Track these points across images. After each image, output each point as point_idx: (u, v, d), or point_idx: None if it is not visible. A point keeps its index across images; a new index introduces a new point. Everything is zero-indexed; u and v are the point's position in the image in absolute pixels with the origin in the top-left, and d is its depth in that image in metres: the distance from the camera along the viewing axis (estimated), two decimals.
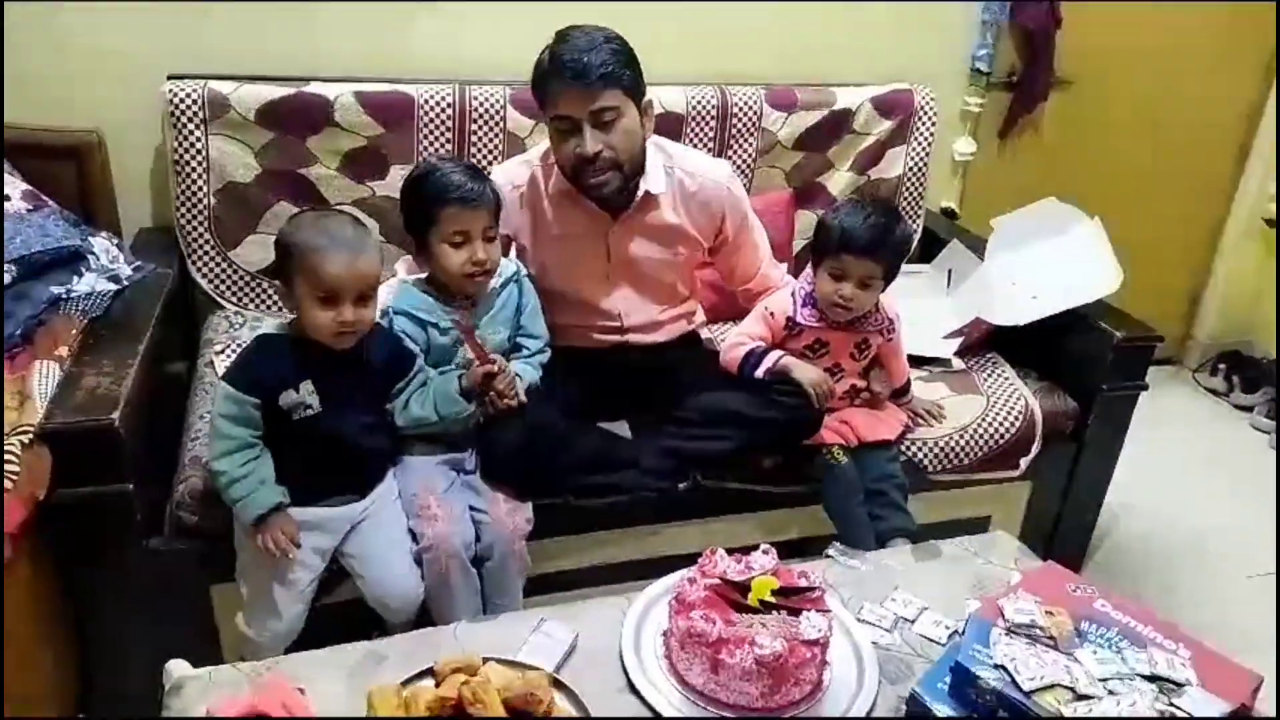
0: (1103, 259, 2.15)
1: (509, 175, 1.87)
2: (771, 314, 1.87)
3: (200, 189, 2.04)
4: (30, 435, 1.49)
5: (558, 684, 1.26)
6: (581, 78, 1.65)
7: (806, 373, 1.81)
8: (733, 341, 1.90)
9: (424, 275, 1.73)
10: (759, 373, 1.83)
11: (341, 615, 1.62)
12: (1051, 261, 2.21)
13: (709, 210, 1.91)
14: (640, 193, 1.82)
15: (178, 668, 1.29)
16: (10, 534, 1.40)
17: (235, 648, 1.62)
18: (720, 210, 1.92)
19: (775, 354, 1.83)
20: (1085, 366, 2.11)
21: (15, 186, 1.93)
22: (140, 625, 1.64)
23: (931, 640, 1.41)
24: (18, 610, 1.46)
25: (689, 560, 1.42)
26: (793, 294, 1.87)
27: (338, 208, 2.08)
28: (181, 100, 1.99)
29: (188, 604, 1.69)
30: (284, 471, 1.54)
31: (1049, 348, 2.18)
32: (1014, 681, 1.19)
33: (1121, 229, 2.22)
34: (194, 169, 2.03)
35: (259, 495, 1.50)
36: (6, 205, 1.87)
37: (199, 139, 2.01)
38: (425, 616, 1.61)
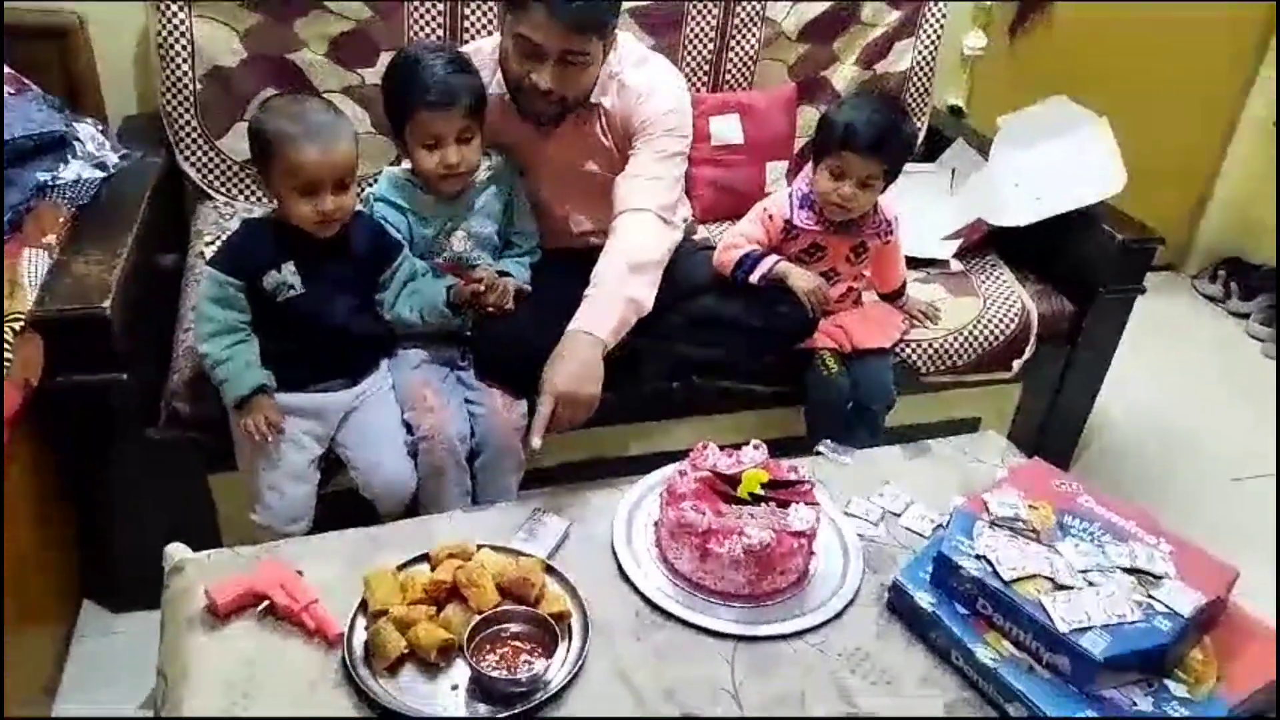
0: (1108, 160, 2.11)
1: (478, 52, 1.77)
2: (770, 215, 1.84)
3: (185, 74, 1.99)
4: (21, 322, 1.49)
5: (550, 570, 1.29)
6: (570, 20, 1.55)
7: (802, 280, 1.79)
8: (727, 243, 1.86)
9: (406, 167, 1.71)
10: (754, 278, 1.80)
11: (340, 504, 1.64)
12: (1056, 161, 2.17)
13: (634, 115, 1.75)
14: (578, 105, 1.73)
15: (177, 550, 1.32)
16: (7, 420, 1.41)
17: (236, 537, 1.63)
18: (642, 120, 1.74)
19: (771, 259, 1.81)
20: (1084, 268, 2.10)
21: None
22: (140, 513, 1.67)
23: (916, 533, 1.44)
24: (17, 495, 1.48)
25: (680, 457, 1.44)
26: (790, 195, 1.84)
27: (325, 95, 2.03)
28: None
29: (186, 492, 1.71)
30: (272, 357, 1.54)
31: (1049, 249, 2.16)
32: (995, 571, 1.22)
33: (1130, 130, 2.16)
34: (178, 53, 1.97)
35: (243, 377, 1.50)
36: None
37: (183, 21, 1.95)
38: (415, 507, 1.63)
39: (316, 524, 1.59)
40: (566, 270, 1.83)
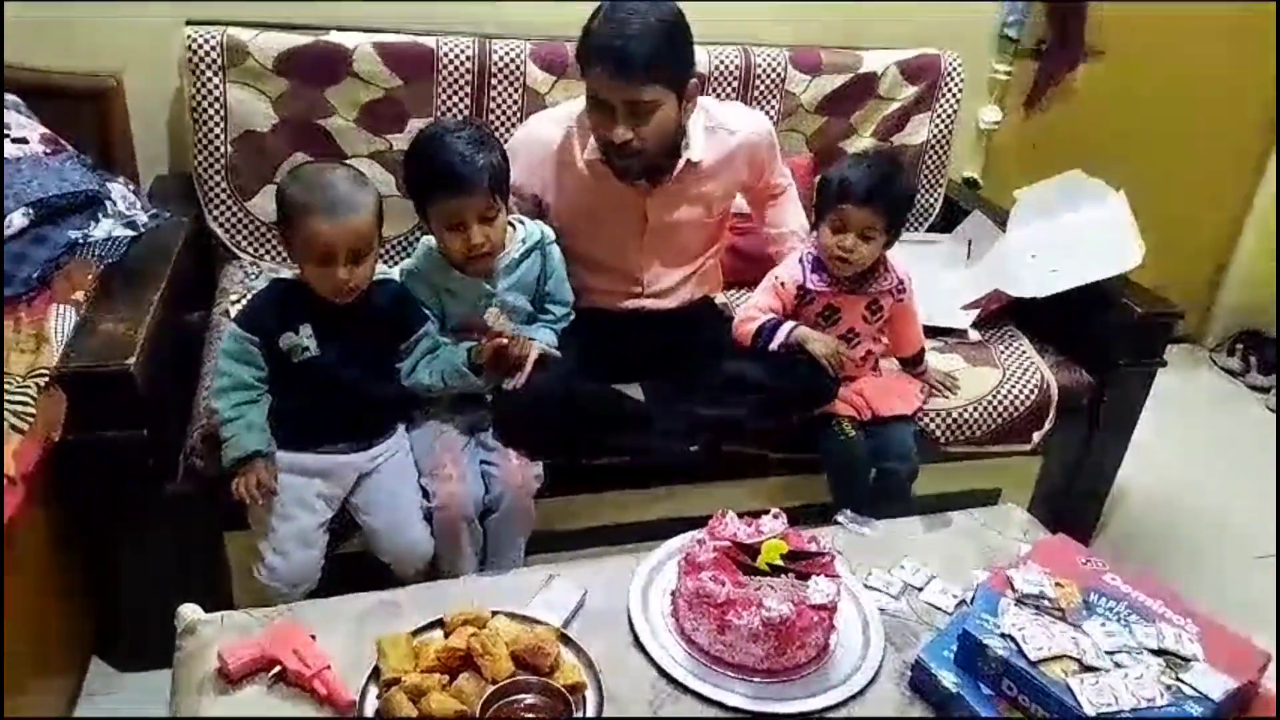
0: (1126, 234, 2.12)
1: (540, 133, 1.84)
2: (782, 284, 1.85)
3: (218, 137, 2.03)
4: (46, 378, 1.50)
5: (565, 639, 1.27)
6: (620, 70, 1.60)
7: (819, 345, 1.79)
8: (744, 315, 1.86)
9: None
10: (774, 345, 1.80)
11: (353, 565, 1.63)
12: (1073, 235, 2.19)
13: (749, 162, 1.90)
14: (681, 162, 1.80)
15: (190, 611, 1.31)
16: (24, 475, 1.41)
17: (248, 594, 1.63)
18: (759, 159, 1.92)
19: (788, 326, 1.81)
20: (1103, 342, 2.09)
21: (34, 130, 1.92)
22: (155, 570, 1.66)
23: (938, 609, 1.42)
24: (33, 552, 1.48)
25: (699, 523, 1.43)
26: (801, 260, 1.86)
27: (353, 160, 2.07)
28: (200, 46, 1.97)
29: (201, 549, 1.70)
30: (286, 415, 1.56)
31: (1067, 322, 2.16)
32: (1021, 651, 1.20)
33: (1146, 204, 2.18)
34: (212, 117, 2.01)
35: (241, 438, 1.51)
36: (25, 148, 1.87)
37: (217, 86, 2.00)
38: (430, 569, 1.62)
39: (329, 585, 1.57)
40: (599, 330, 1.86)
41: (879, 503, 1.78)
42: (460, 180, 1.58)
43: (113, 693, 1.73)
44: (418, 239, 2.13)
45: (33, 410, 1.47)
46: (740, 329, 1.86)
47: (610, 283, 1.92)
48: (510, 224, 1.73)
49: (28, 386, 1.49)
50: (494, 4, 2.19)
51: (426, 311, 1.67)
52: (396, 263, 2.13)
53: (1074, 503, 2.21)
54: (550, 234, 1.79)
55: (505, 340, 1.61)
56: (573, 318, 1.84)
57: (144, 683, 1.69)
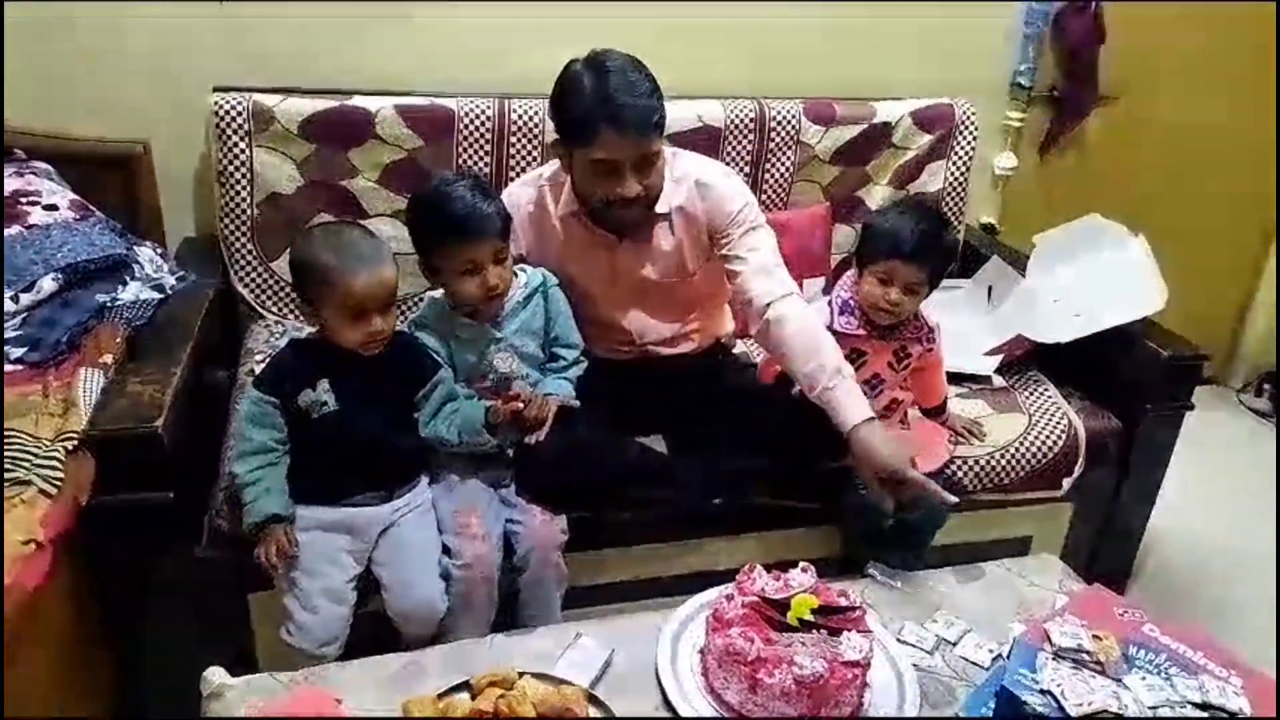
0: (1148, 277, 2.11)
1: (517, 196, 1.86)
2: None
3: (244, 200, 2.07)
4: (75, 441, 1.51)
5: (593, 699, 1.25)
6: (638, 128, 1.64)
7: None
8: (769, 357, 1.88)
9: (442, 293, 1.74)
10: (795, 390, 1.80)
11: (379, 625, 1.61)
12: (1095, 279, 2.18)
13: (710, 213, 1.83)
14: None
15: (216, 675, 1.30)
16: (52, 539, 1.41)
17: (272, 656, 1.62)
18: (720, 211, 1.82)
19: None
20: (1130, 386, 2.07)
21: (64, 196, 1.97)
22: (179, 633, 1.65)
23: (974, 663, 1.39)
24: (55, 617, 1.47)
25: (725, 576, 1.41)
26: (830, 303, 1.86)
27: (374, 219, 2.11)
28: (227, 112, 2.02)
29: (226, 612, 1.69)
30: (310, 471, 1.57)
31: (1093, 366, 2.14)
32: (1061, 707, 1.17)
33: (1166, 245, 2.18)
34: (238, 180, 2.05)
35: (260, 503, 1.52)
36: (55, 214, 1.91)
37: (243, 150, 2.04)
38: (439, 633, 1.60)
39: (354, 645, 1.56)
40: (616, 380, 1.85)
41: (891, 550, 1.75)
42: (474, 224, 1.62)
43: None
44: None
45: (61, 474, 1.47)
46: (766, 368, 1.88)
47: (603, 335, 1.92)
48: (512, 271, 1.74)
49: (56, 450, 1.50)
50: (514, 65, 2.23)
51: (439, 360, 1.68)
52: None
53: (1107, 548, 2.17)
54: (551, 279, 1.80)
55: (521, 405, 1.61)
56: (585, 364, 1.83)
57: None
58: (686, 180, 1.83)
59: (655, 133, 1.68)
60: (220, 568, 1.65)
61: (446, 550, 1.61)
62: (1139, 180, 2.86)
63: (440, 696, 1.24)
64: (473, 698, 1.23)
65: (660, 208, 1.81)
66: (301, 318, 2.12)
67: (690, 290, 1.92)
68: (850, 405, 1.64)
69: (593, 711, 1.23)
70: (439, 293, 1.75)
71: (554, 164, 1.87)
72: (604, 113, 1.63)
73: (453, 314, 1.72)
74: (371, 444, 1.59)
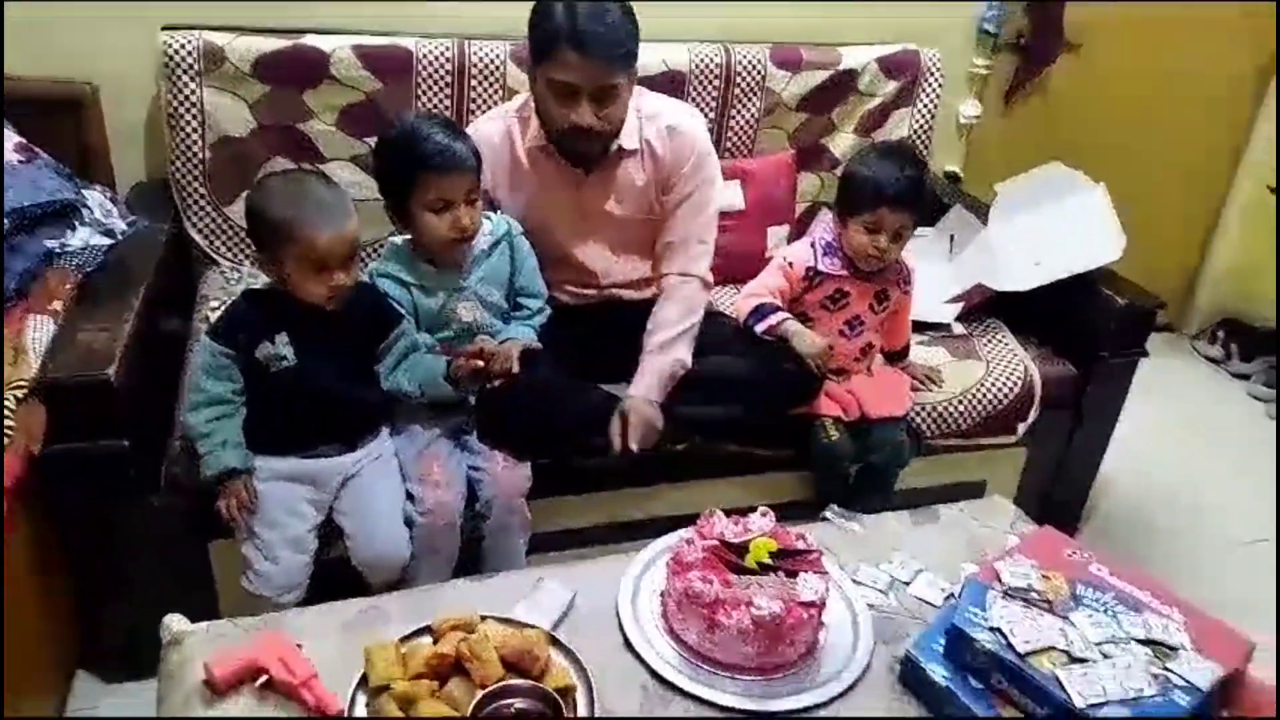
0: (1106, 226, 2.14)
1: (485, 130, 1.83)
2: (790, 264, 1.86)
3: (195, 143, 2.02)
4: (25, 390, 1.49)
5: (555, 642, 1.26)
6: (601, 56, 1.63)
7: (807, 343, 1.79)
8: (747, 292, 1.89)
9: (407, 238, 1.70)
10: (759, 328, 1.82)
11: (338, 572, 1.61)
12: (1055, 227, 2.20)
13: (673, 153, 1.83)
14: (614, 147, 1.80)
15: (175, 622, 1.30)
16: (6, 488, 1.39)
17: (233, 604, 1.62)
18: (673, 142, 1.83)
19: (779, 315, 1.82)
20: (1086, 333, 2.10)
21: (8, 138, 1.89)
22: (138, 581, 1.64)
23: (927, 603, 1.42)
24: (14, 564, 1.46)
25: (686, 521, 1.43)
26: (812, 244, 1.86)
27: (333, 164, 2.06)
28: (176, 52, 1.96)
29: (185, 560, 1.68)
30: (269, 424, 1.55)
31: (1051, 313, 2.17)
32: (1009, 644, 1.20)
33: (1126, 194, 2.20)
34: (189, 122, 2.00)
35: (217, 456, 1.50)
36: None
37: (194, 91, 1.98)
38: (402, 579, 1.60)
39: (314, 592, 1.56)
40: (579, 326, 1.86)
41: (859, 494, 1.79)
42: (451, 158, 1.59)
43: (99, 705, 1.71)
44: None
45: (12, 423, 1.45)
46: (740, 304, 1.89)
47: (566, 275, 1.91)
48: (483, 215, 1.72)
49: (7, 399, 1.47)
50: (473, 4, 2.18)
51: (401, 310, 1.66)
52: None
53: (1059, 493, 2.22)
54: (516, 227, 1.79)
55: (481, 363, 1.59)
56: (548, 313, 1.83)
57: (129, 694, 1.68)
58: (658, 120, 1.83)
59: (619, 65, 1.67)
60: (179, 516, 1.64)
61: (410, 497, 1.61)
62: (1102, 129, 2.88)
63: (402, 641, 1.25)
64: (435, 642, 1.24)
65: (629, 144, 1.80)
66: (257, 267, 2.08)
67: (656, 231, 1.91)
68: (648, 378, 1.77)
69: (554, 653, 1.24)
70: (400, 238, 1.72)
71: (521, 97, 1.85)
72: (568, 33, 1.62)
73: (415, 260, 1.69)
74: (332, 397, 1.57)
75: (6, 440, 1.43)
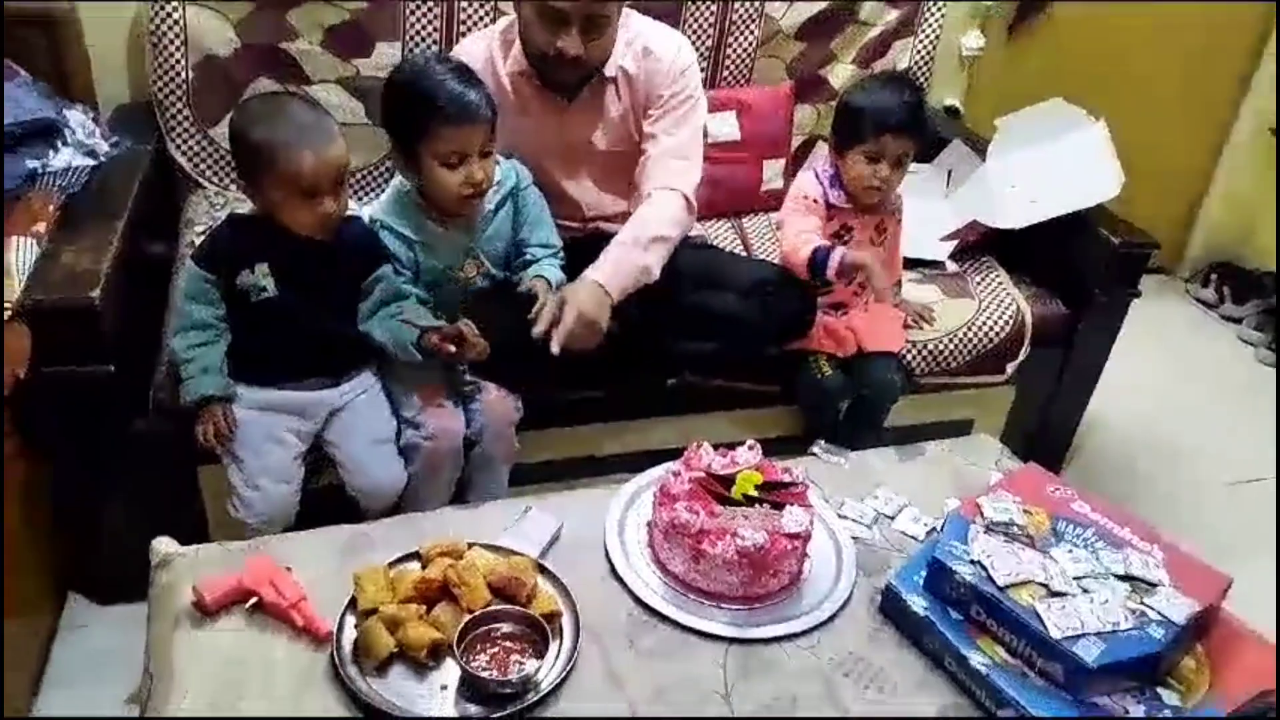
0: (1105, 163, 2.11)
1: (467, 53, 1.77)
2: (814, 201, 1.80)
3: (178, 63, 1.97)
4: (9, 313, 1.47)
5: (542, 569, 1.28)
6: None
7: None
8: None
9: (410, 188, 1.63)
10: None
11: (330, 498, 1.62)
12: (1053, 164, 2.17)
13: (652, 83, 1.79)
14: (594, 76, 1.76)
15: (164, 544, 1.31)
16: None
17: (223, 527, 1.63)
18: (655, 93, 1.79)
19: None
20: (1079, 272, 2.09)
21: None
22: (130, 504, 1.65)
23: (910, 537, 1.44)
24: (4, 489, 1.46)
25: (674, 455, 1.43)
26: (817, 176, 1.82)
27: (319, 86, 2.02)
28: None
29: (174, 485, 1.69)
30: (251, 353, 1.53)
31: (1045, 252, 2.15)
32: (989, 577, 1.21)
33: (1126, 133, 2.16)
34: (171, 41, 1.95)
35: (197, 382, 1.49)
36: None
37: (175, 9, 1.93)
38: (399, 504, 1.61)
39: (306, 518, 1.57)
40: (568, 259, 1.81)
41: (851, 429, 1.79)
42: (466, 109, 1.50)
43: (90, 625, 1.74)
44: (385, 170, 2.09)
45: None
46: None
47: (553, 208, 1.83)
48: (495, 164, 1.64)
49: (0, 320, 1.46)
50: None
51: (393, 256, 1.60)
52: (363, 196, 2.09)
53: (1046, 432, 2.24)
54: (525, 176, 1.72)
55: (453, 348, 1.53)
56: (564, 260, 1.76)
57: (122, 616, 1.69)
58: (635, 44, 1.77)
59: None
60: (168, 441, 1.63)
61: (411, 424, 1.61)
62: (1104, 66, 2.82)
63: (391, 566, 1.26)
64: (423, 567, 1.25)
65: (609, 72, 1.76)
66: (244, 193, 2.05)
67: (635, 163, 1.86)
68: (608, 266, 1.64)
69: (541, 580, 1.26)
70: (404, 185, 1.63)
71: (507, 19, 1.80)
72: None
73: (421, 215, 1.61)
74: (314, 332, 1.55)
75: None
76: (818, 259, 1.73)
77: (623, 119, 1.81)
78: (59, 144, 1.81)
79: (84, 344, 1.50)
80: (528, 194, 1.72)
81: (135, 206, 1.73)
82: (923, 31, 2.44)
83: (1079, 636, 1.14)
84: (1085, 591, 1.20)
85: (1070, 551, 1.27)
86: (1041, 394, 2.19)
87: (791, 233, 1.81)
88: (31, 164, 1.74)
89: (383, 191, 1.72)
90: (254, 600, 1.20)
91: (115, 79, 2.11)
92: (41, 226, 1.65)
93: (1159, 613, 1.19)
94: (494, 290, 1.70)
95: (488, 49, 1.78)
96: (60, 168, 1.78)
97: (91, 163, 1.81)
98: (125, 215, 1.68)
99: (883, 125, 1.71)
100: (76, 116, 1.89)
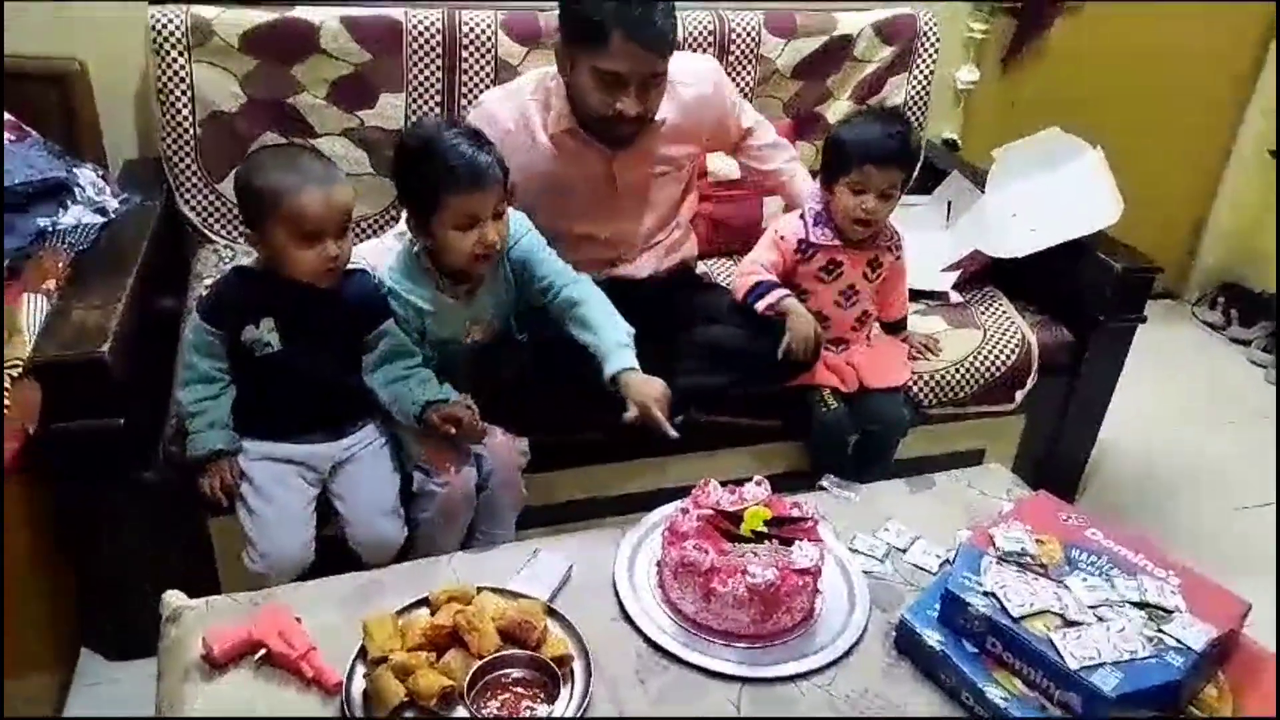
0: (1103, 190, 2.12)
1: (498, 112, 1.78)
2: (782, 238, 1.84)
3: (185, 119, 2.00)
4: (20, 368, 1.49)
5: (552, 612, 1.27)
6: (654, 43, 1.60)
7: (799, 324, 1.77)
8: (745, 270, 1.86)
9: (419, 248, 1.62)
10: (760, 306, 1.80)
11: (335, 547, 1.62)
12: (1052, 193, 2.18)
13: (703, 111, 1.87)
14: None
15: (174, 598, 1.30)
16: (3, 468, 1.40)
17: (234, 578, 1.62)
18: (716, 107, 1.89)
19: (778, 292, 1.79)
20: (1084, 299, 2.09)
21: None
22: (139, 558, 1.65)
23: (923, 569, 1.43)
24: (13, 543, 1.47)
25: (683, 493, 1.43)
26: (802, 216, 1.85)
27: (324, 138, 2.05)
28: (164, 26, 1.94)
29: (185, 537, 1.69)
30: (256, 407, 1.54)
31: (1048, 279, 2.16)
32: (1003, 608, 1.20)
33: (1125, 159, 2.18)
34: (178, 98, 1.98)
35: (203, 436, 1.51)
36: None
37: (183, 66, 1.96)
38: (405, 553, 1.60)
39: (316, 567, 1.56)
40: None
41: (860, 464, 1.78)
42: (479, 174, 1.50)
43: (102, 683, 1.73)
44: (390, 219, 2.11)
45: (7, 402, 1.45)
46: (738, 281, 1.86)
47: (586, 253, 1.88)
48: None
49: (2, 378, 1.47)
50: None
51: (401, 319, 1.60)
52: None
53: (1058, 460, 2.22)
54: (520, 225, 1.68)
55: (452, 430, 1.54)
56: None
57: (134, 671, 1.68)
58: (674, 88, 1.79)
59: (668, 52, 1.65)
60: (177, 493, 1.63)
61: (423, 470, 1.60)
62: (1100, 93, 2.84)
63: (400, 613, 1.25)
64: (432, 613, 1.25)
65: (668, 116, 1.79)
66: (249, 244, 2.07)
67: (678, 191, 1.93)
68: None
69: (551, 623, 1.25)
70: (414, 246, 1.61)
71: (530, 77, 1.82)
72: (620, 21, 1.57)
73: (429, 279, 1.61)
74: (318, 385, 1.55)
75: (2, 419, 1.43)
76: (755, 292, 1.80)
77: (664, 158, 1.86)
78: (69, 202, 1.84)
79: (94, 398, 1.50)
80: (528, 240, 1.69)
81: (144, 261, 1.75)
82: (917, 66, 2.47)
83: (1096, 666, 1.13)
84: (1101, 620, 1.19)
85: (1084, 580, 1.25)
86: (1052, 421, 2.18)
87: (747, 261, 1.89)
88: (42, 222, 1.77)
89: (382, 233, 1.72)
90: (263, 652, 1.20)
91: (124, 134, 2.15)
92: (51, 284, 1.68)
93: (1177, 640, 1.17)
94: (500, 337, 1.71)
95: (520, 112, 1.78)
96: (70, 225, 1.80)
97: (101, 219, 1.83)
98: (134, 270, 1.70)
99: (866, 157, 1.72)
100: (86, 174, 1.92)
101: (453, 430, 1.54)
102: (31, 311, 1.62)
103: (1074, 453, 2.25)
